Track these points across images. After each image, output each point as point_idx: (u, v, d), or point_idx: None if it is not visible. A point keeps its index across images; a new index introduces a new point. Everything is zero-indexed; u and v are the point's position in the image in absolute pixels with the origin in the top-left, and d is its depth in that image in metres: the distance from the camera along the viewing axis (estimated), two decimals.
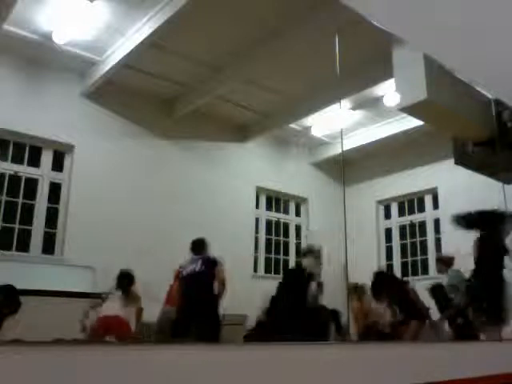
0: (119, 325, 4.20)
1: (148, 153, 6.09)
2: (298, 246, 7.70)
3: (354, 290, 5.54)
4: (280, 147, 7.67)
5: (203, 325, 4.37)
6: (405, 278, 7.23)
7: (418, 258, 7.68)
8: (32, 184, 5.44)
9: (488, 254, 4.73)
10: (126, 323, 4.28)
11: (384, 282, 5.09)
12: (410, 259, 7.77)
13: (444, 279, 5.41)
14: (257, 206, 7.43)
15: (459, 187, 6.56)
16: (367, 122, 7.28)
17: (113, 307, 4.27)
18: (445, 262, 5.47)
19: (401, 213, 8.08)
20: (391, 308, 4.66)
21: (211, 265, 4.83)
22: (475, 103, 4.67)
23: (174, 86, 6.18)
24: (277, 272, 7.33)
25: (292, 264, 7.54)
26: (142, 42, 5.04)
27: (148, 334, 4.55)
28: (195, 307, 4.58)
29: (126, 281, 4.46)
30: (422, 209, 7.86)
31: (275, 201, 7.79)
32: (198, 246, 4.96)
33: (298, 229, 7.90)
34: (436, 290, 5.19)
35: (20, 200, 5.33)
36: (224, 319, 4.97)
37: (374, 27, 2.83)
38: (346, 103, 6.71)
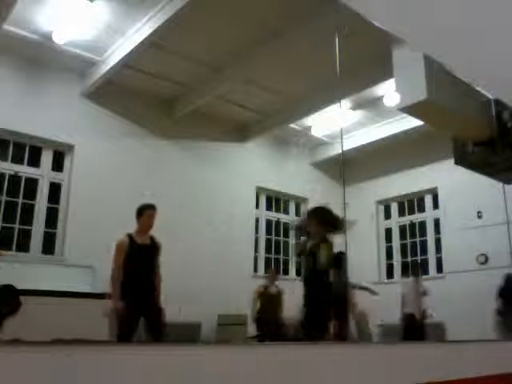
0: None
1: (148, 153, 6.09)
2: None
3: None
4: (280, 147, 7.67)
5: None
6: (406, 279, 7.25)
7: (418, 258, 7.69)
8: (32, 184, 5.44)
9: None
10: None
11: None
12: (410, 259, 7.77)
13: None
14: (257, 206, 7.43)
15: (459, 187, 6.56)
16: (367, 121, 7.29)
17: None
18: None
19: (401, 213, 8.08)
20: None
21: None
22: (475, 103, 4.66)
23: (174, 86, 6.18)
24: (276, 272, 7.33)
25: (292, 264, 7.53)
26: (142, 42, 5.04)
27: None
28: None
29: None
30: (422, 209, 7.86)
31: (275, 201, 7.79)
32: None
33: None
34: None
35: (20, 200, 5.33)
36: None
37: (374, 27, 2.83)
38: (346, 103, 6.72)
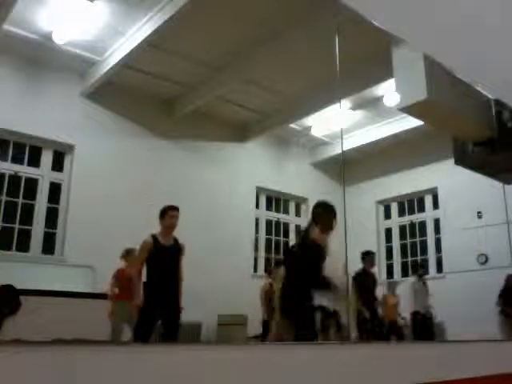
0: None
1: (148, 153, 6.09)
2: None
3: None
4: (280, 147, 7.67)
5: None
6: (405, 278, 7.26)
7: (418, 258, 7.68)
8: (32, 184, 5.44)
9: None
10: None
11: None
12: (410, 259, 7.77)
13: None
14: (257, 206, 7.43)
15: (459, 187, 6.56)
16: (367, 121, 7.29)
17: None
18: None
19: (401, 213, 8.08)
20: None
21: None
22: (475, 103, 4.66)
23: (174, 86, 6.18)
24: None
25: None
26: (142, 42, 5.04)
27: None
28: None
29: None
30: (422, 209, 7.86)
31: (275, 201, 7.79)
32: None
33: (297, 229, 7.89)
34: None
35: (20, 200, 5.32)
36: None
37: (373, 27, 2.83)
38: (346, 103, 6.72)
